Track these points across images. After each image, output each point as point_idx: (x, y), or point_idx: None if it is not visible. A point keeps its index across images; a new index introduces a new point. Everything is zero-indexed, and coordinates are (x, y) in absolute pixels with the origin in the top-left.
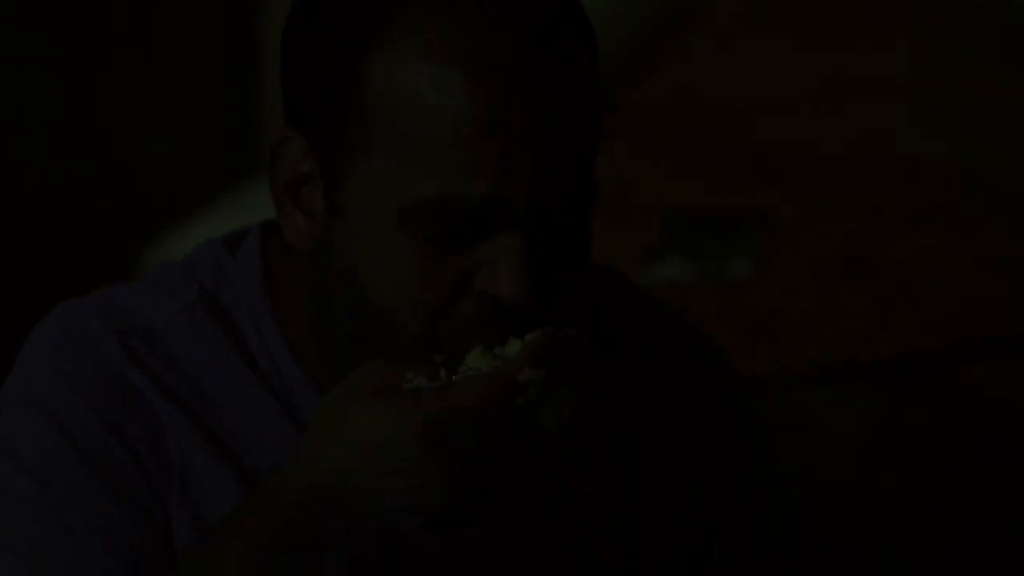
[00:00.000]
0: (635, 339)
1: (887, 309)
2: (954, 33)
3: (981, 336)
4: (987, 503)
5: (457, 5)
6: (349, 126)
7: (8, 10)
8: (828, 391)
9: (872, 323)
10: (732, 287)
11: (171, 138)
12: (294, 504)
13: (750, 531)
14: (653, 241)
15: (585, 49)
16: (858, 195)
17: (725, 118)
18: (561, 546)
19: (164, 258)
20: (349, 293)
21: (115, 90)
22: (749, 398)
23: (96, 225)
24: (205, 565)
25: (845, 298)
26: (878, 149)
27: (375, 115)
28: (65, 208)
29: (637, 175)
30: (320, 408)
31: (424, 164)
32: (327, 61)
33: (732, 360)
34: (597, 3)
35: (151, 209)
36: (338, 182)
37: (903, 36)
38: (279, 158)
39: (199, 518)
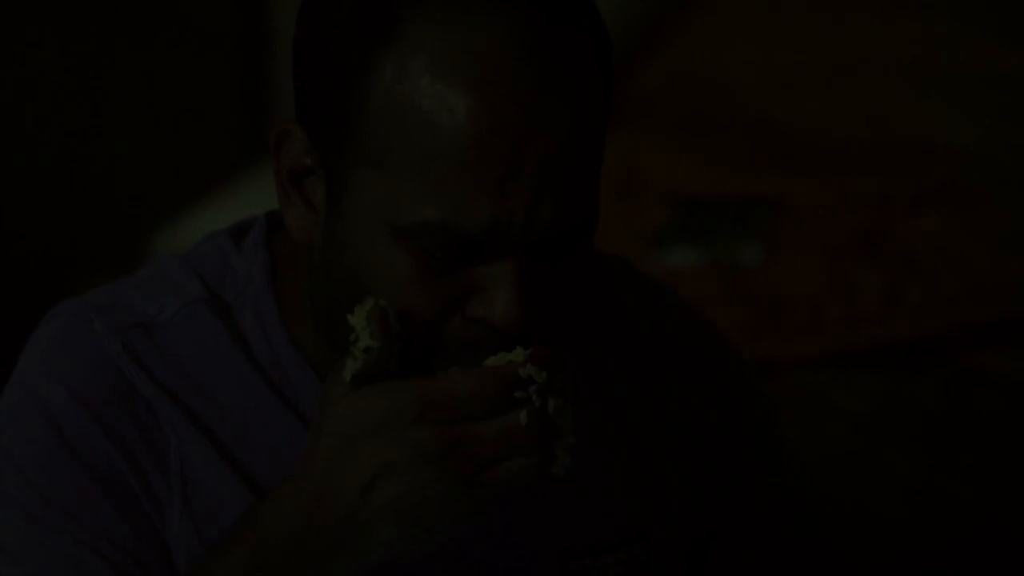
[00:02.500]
0: (639, 326)
1: (896, 291)
2: (964, 14)
3: (990, 318)
4: (995, 485)
5: (467, 20)
6: (351, 134)
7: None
8: (837, 374)
9: (881, 305)
10: (741, 271)
11: (179, 124)
12: (287, 534)
13: (755, 519)
14: (662, 226)
15: (597, 71)
16: (867, 177)
17: (732, 101)
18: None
19: (172, 244)
20: (346, 289)
21: (123, 76)
22: (757, 384)
23: (104, 212)
24: None
25: (854, 280)
26: (887, 131)
27: (376, 128)
28: (72, 195)
29: (645, 159)
30: (317, 409)
31: (423, 183)
32: (332, 69)
33: (738, 347)
34: None
35: (159, 196)
36: (338, 183)
37: (912, 17)
38: (283, 148)
39: (200, 522)
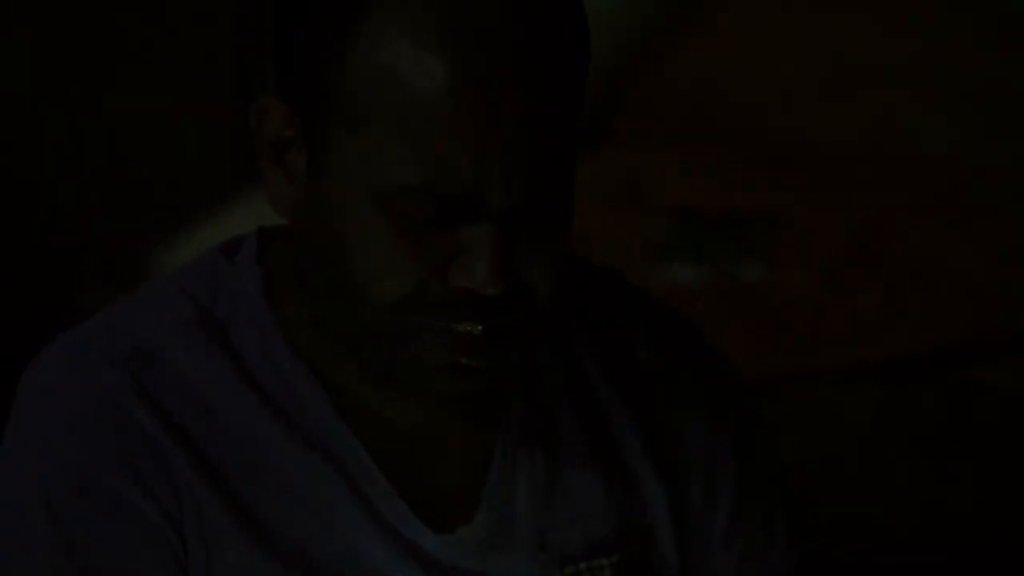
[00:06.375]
0: (629, 338)
1: (896, 303)
2: (964, 25)
3: (991, 330)
4: (995, 496)
5: None
6: (330, 101)
7: (12, 7)
8: (838, 386)
9: (882, 318)
10: (742, 286)
11: (181, 139)
12: None
13: (745, 524)
14: (662, 241)
15: (572, 29)
16: (867, 189)
17: (732, 114)
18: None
19: (173, 262)
20: (328, 260)
21: (124, 89)
22: (748, 393)
23: (106, 227)
24: None
25: (854, 293)
26: (886, 143)
27: (355, 93)
28: (75, 210)
29: (645, 173)
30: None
31: (401, 146)
32: (311, 38)
33: (736, 365)
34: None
35: (161, 211)
36: (319, 151)
37: (913, 29)
38: (264, 122)
39: (210, 553)
